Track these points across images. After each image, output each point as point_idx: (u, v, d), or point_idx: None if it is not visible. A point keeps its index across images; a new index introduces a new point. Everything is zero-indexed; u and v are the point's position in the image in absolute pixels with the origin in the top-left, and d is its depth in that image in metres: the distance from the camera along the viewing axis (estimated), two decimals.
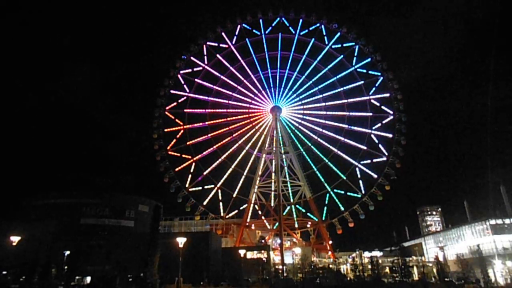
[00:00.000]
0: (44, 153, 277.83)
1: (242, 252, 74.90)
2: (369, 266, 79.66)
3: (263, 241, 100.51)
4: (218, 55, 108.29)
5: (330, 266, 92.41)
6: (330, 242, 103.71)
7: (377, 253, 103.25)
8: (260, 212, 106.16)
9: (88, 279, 71.70)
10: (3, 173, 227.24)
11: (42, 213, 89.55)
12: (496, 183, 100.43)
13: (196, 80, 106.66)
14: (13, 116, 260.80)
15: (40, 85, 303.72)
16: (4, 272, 69.23)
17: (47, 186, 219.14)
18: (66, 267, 68.50)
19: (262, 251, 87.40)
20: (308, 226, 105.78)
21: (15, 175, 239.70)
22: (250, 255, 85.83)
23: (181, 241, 49.22)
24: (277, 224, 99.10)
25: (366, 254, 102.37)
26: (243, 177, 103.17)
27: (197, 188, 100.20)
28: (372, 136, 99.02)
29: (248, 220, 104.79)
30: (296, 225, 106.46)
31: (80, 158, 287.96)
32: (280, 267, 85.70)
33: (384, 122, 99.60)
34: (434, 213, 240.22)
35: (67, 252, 70.02)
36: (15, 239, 49.49)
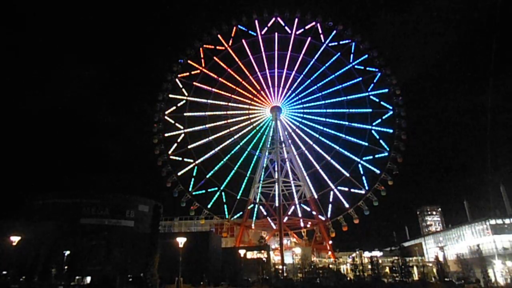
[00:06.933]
0: (45, 154, 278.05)
1: (242, 252, 74.79)
2: (369, 266, 79.32)
3: (263, 241, 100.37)
4: (215, 58, 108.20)
5: (330, 266, 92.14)
6: (330, 242, 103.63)
7: (377, 253, 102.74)
8: (265, 213, 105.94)
9: (88, 279, 71.47)
10: (3, 174, 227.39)
11: (42, 213, 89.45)
12: (496, 183, 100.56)
13: (194, 83, 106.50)
14: (13, 117, 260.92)
15: (41, 86, 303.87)
16: (4, 272, 69.15)
17: (47, 186, 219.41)
18: (66, 267, 68.41)
19: (262, 251, 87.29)
20: (308, 225, 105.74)
21: (15, 175, 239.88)
22: (250, 255, 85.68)
23: (181, 241, 49.20)
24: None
25: (366, 254, 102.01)
26: (246, 178, 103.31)
27: (200, 192, 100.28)
28: (373, 132, 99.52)
29: (254, 220, 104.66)
30: (302, 224, 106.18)
31: (80, 158, 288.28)
32: (280, 267, 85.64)
33: (384, 117, 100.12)
34: (434, 213, 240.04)
35: (67, 252, 69.95)
36: (15, 239, 49.35)
